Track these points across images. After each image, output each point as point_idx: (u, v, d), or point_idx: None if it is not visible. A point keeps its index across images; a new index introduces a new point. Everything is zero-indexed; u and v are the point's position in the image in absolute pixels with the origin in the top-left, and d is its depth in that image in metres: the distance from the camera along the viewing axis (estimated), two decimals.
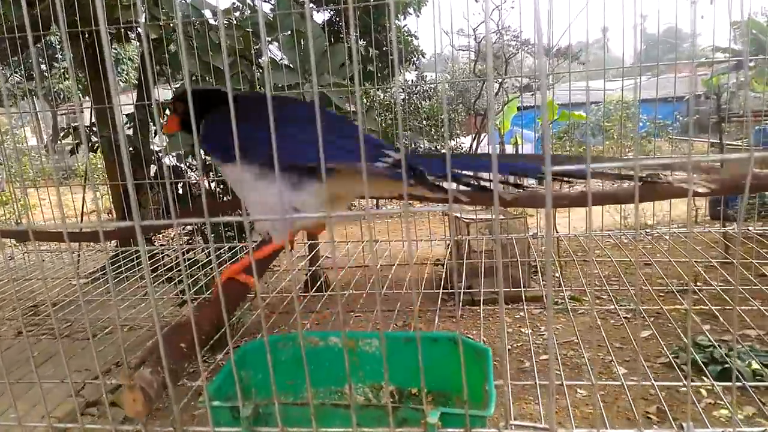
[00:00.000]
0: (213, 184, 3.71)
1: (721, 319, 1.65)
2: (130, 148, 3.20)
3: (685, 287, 2.04)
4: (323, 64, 2.00)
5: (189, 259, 2.64)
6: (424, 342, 0.97)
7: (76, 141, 3.47)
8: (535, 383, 1.18)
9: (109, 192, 4.05)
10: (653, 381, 1.12)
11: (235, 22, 2.13)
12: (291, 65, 2.04)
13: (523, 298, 2.05)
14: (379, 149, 0.96)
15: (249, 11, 2.25)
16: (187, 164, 3.33)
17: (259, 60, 2.20)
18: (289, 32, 2.03)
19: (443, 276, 3.37)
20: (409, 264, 2.58)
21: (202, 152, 1.27)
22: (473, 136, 6.83)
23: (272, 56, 2.18)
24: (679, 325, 2.57)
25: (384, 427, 0.73)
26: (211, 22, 2.14)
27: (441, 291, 2.20)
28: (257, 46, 2.12)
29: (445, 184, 0.91)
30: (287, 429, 0.73)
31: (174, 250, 2.66)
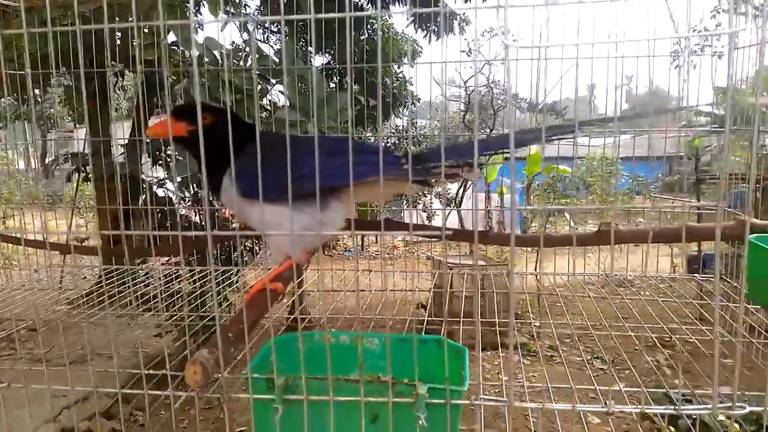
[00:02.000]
0: (198, 217, 3.75)
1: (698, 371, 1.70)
2: (124, 176, 3.24)
3: (661, 338, 2.09)
4: (323, 108, 2.09)
5: (168, 289, 2.64)
6: (417, 342, 1.21)
7: (73, 167, 3.51)
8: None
9: (97, 219, 4.06)
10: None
11: (242, 65, 2.23)
12: (291, 105, 2.13)
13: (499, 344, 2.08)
14: (396, 159, 1.19)
15: (257, 55, 2.35)
16: (182, 194, 3.37)
17: (262, 100, 2.29)
18: (293, 76, 2.13)
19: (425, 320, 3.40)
20: (392, 304, 2.62)
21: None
22: (460, 183, 6.95)
23: (274, 98, 2.28)
24: (653, 378, 2.62)
25: (384, 397, 0.96)
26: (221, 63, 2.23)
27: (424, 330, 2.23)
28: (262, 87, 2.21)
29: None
30: (310, 397, 0.97)
31: (155, 275, 2.66)
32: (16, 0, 2.00)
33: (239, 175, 1.12)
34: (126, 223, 3.15)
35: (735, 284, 2.12)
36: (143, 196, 3.47)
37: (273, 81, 2.21)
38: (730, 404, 0.95)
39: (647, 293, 2.48)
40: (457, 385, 1.01)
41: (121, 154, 3.39)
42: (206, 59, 2.19)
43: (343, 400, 0.98)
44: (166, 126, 1.18)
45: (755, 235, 1.56)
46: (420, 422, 0.94)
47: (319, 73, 2.38)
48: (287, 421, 0.99)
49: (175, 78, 2.60)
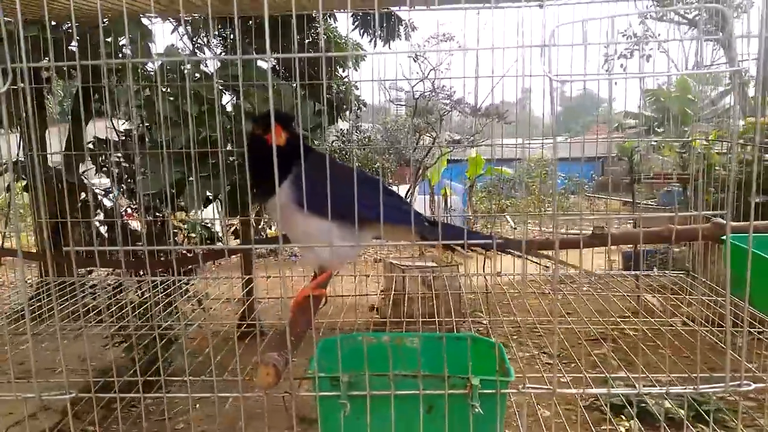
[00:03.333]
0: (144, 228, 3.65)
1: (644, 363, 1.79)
2: (59, 184, 3.12)
3: (603, 333, 2.19)
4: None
5: (119, 301, 2.57)
6: (452, 339, 1.37)
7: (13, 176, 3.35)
8: None
9: (35, 229, 3.88)
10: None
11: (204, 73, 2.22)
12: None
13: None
14: (419, 216, 1.43)
15: (219, 64, 2.33)
16: (127, 204, 3.28)
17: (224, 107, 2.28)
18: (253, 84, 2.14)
19: (385, 322, 3.43)
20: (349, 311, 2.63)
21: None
22: (409, 187, 7.04)
23: (236, 103, 2.28)
24: (597, 370, 2.74)
25: (440, 390, 1.08)
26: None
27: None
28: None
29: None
30: (372, 392, 1.07)
31: (104, 285, 2.59)
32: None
33: (309, 189, 1.20)
34: (64, 232, 3.04)
35: (704, 279, 2.24)
36: (79, 204, 3.35)
37: (228, 94, 2.23)
38: (738, 383, 1.08)
39: (584, 289, 2.59)
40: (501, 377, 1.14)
41: (66, 163, 3.26)
42: (168, 67, 2.16)
43: (402, 394, 1.09)
44: (279, 133, 1.24)
45: (732, 235, 1.68)
46: (476, 410, 1.08)
47: (291, 86, 2.43)
48: (350, 415, 1.10)
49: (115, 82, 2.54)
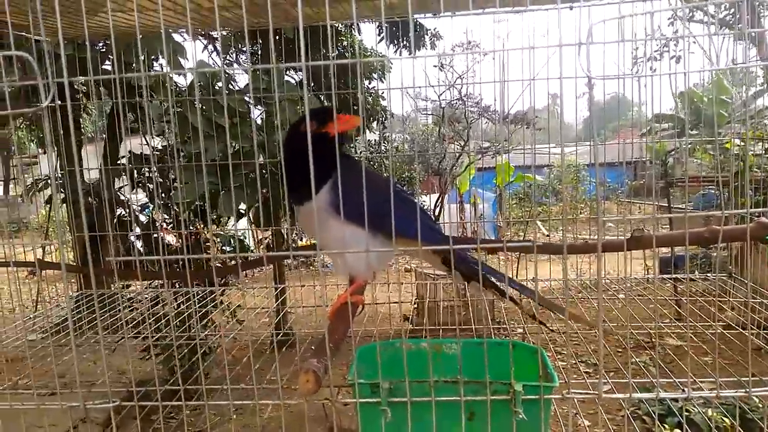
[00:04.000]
0: (176, 240, 3.70)
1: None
2: (95, 200, 3.20)
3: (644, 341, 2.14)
4: None
5: (155, 314, 2.61)
6: (492, 345, 1.36)
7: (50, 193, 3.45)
8: None
9: (75, 243, 3.96)
10: None
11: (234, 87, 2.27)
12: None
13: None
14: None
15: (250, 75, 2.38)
16: (162, 218, 3.33)
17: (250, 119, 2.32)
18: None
19: (410, 330, 3.42)
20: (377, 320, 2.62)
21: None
22: (437, 197, 7.01)
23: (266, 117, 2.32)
24: (637, 377, 2.67)
25: (482, 396, 1.06)
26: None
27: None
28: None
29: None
30: (413, 398, 1.05)
31: (140, 298, 2.63)
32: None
33: (346, 195, 1.17)
34: (101, 245, 3.11)
35: (746, 281, 2.18)
36: (115, 219, 3.42)
37: (259, 107, 2.27)
38: None
39: (621, 296, 2.53)
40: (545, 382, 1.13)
41: (97, 179, 3.34)
42: (200, 83, 2.20)
43: (442, 400, 1.07)
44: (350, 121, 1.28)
45: None
46: (520, 416, 1.06)
47: (317, 98, 2.46)
48: (390, 422, 1.09)
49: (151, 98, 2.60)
